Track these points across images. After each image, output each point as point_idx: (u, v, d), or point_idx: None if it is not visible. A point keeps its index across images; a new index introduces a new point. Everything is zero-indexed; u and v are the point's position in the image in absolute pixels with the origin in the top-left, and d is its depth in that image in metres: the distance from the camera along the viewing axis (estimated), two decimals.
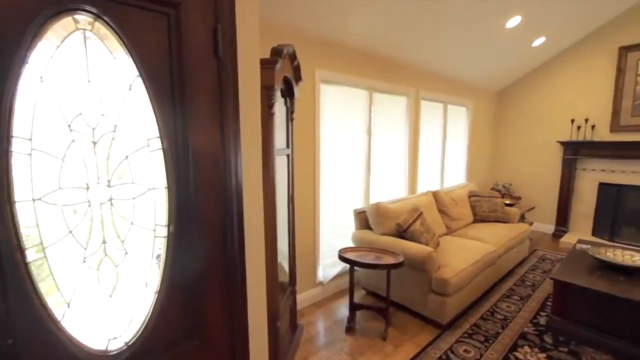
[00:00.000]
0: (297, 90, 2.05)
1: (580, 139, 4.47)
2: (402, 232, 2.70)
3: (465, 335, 2.36)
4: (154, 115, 0.93)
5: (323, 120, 2.79)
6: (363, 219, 2.98)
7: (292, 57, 1.85)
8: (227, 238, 1.13)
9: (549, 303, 2.80)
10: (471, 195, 3.98)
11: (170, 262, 1.00)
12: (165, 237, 0.99)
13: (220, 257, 1.13)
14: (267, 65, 1.52)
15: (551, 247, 4.32)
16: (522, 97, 5.09)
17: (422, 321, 2.53)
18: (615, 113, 4.21)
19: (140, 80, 0.90)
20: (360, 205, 3.25)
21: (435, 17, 2.86)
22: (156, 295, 0.98)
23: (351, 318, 2.48)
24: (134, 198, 0.93)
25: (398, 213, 2.87)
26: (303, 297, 2.76)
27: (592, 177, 4.48)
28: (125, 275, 0.94)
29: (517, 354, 2.15)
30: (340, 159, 3.00)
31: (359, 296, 2.95)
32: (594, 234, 4.52)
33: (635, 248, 3.78)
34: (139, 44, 0.89)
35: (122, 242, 0.93)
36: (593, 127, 4.38)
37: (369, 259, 2.35)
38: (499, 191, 5.10)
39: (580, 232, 4.62)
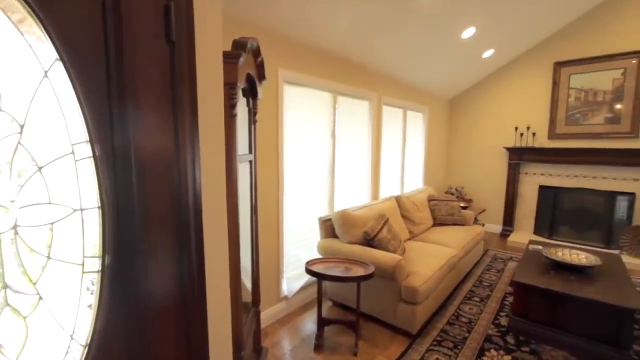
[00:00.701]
0: (261, 90, 1.87)
1: (523, 145, 4.82)
2: (369, 240, 2.62)
3: (435, 342, 2.33)
4: (81, 113, 0.70)
5: (287, 124, 2.62)
6: (329, 228, 2.86)
7: (256, 52, 1.66)
8: (183, 266, 0.92)
9: (507, 303, 2.91)
10: (430, 199, 4.06)
11: (106, 304, 0.77)
12: (98, 271, 0.75)
13: (174, 290, 0.91)
14: (229, 59, 1.33)
15: (500, 247, 4.58)
16: (471, 105, 5.38)
17: (392, 331, 2.46)
18: (552, 122, 4.61)
19: (61, 65, 0.67)
20: (325, 212, 3.13)
21: (398, 24, 2.85)
22: (85, 349, 0.74)
23: (319, 335, 2.33)
24: (51, 223, 0.69)
25: (364, 220, 2.80)
26: (266, 315, 2.55)
27: (533, 180, 4.86)
28: (38, 330, 0.69)
29: (485, 358, 2.16)
30: (304, 165, 2.85)
31: (326, 308, 2.81)
32: (535, 232, 4.90)
33: (575, 245, 4.14)
34: (59, 17, 0.66)
35: (34, 284, 0.68)
36: (534, 134, 4.76)
37: (339, 271, 2.23)
38: (452, 194, 5.33)
39: (524, 231, 4.97)
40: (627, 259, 3.75)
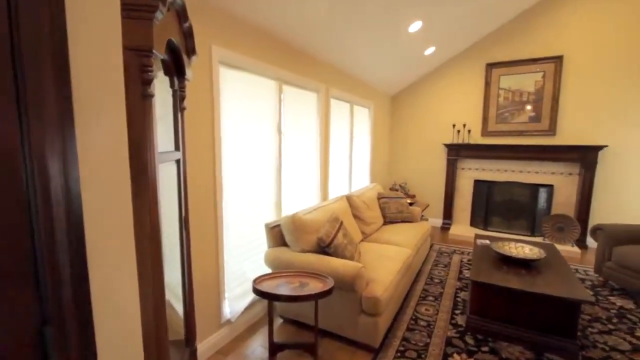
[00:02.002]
0: (190, 68, 1.44)
1: (460, 141, 5.03)
2: (324, 247, 2.34)
3: (399, 354, 2.15)
4: None
5: (225, 115, 2.19)
6: (277, 235, 2.51)
7: (182, 14, 1.23)
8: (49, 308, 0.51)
9: (459, 299, 2.90)
10: (380, 197, 3.96)
11: None
12: None
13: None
14: (137, 11, 0.90)
15: (443, 240, 4.71)
16: (412, 102, 5.47)
17: (353, 347, 2.22)
18: (485, 120, 4.88)
19: None
20: (272, 217, 2.76)
21: (346, 13, 2.61)
22: None
23: None
24: None
25: (317, 225, 2.51)
26: (204, 347, 2.10)
27: (469, 175, 5.11)
28: None
29: None
30: (247, 163, 2.45)
31: (277, 327, 2.46)
32: (471, 224, 5.17)
33: (508, 235, 4.41)
34: None
35: None
36: (469, 131, 4.99)
37: (292, 288, 1.90)
38: (397, 190, 5.37)
39: (461, 224, 5.22)
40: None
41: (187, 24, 1.30)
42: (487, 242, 3.04)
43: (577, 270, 3.63)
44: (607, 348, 2.23)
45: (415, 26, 3.37)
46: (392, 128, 5.73)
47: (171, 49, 1.22)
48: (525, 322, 2.26)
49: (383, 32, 3.23)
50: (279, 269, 2.33)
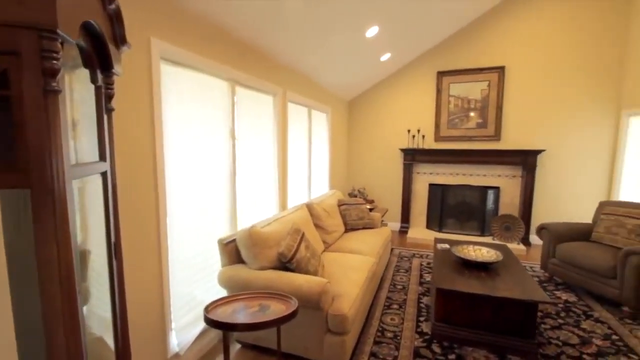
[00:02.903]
0: (120, 62, 1.18)
1: (415, 146, 5.16)
2: (286, 263, 2.15)
3: None
4: None
5: (168, 118, 1.92)
6: (232, 251, 2.27)
7: None
8: None
9: (422, 304, 2.88)
10: (340, 204, 3.86)
11: None
12: None
13: None
14: None
15: (401, 244, 4.76)
16: (369, 107, 5.51)
17: None
18: (437, 125, 5.06)
19: None
20: (226, 232, 2.51)
21: (303, 14, 2.48)
22: None
23: None
24: None
25: (277, 238, 2.31)
26: None
27: (424, 179, 5.25)
28: None
29: None
30: (196, 172, 2.18)
31: (233, 354, 2.21)
32: (427, 227, 5.31)
33: (462, 236, 4.57)
34: None
35: None
36: (423, 136, 5.14)
37: (252, 313, 1.68)
38: (355, 196, 5.34)
39: (418, 227, 5.33)
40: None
41: (113, 6, 1.05)
42: (447, 246, 3.08)
43: (524, 267, 3.84)
44: (560, 343, 2.33)
45: (373, 31, 3.35)
46: (350, 133, 5.72)
47: (91, 34, 0.98)
48: (487, 326, 2.27)
49: (341, 35, 3.16)
50: (235, 290, 2.09)
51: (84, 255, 1.05)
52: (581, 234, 3.37)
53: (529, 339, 2.20)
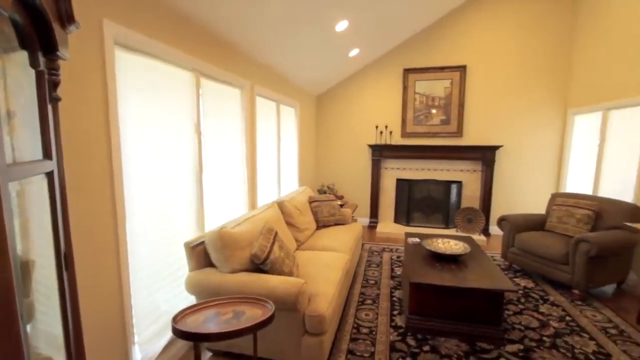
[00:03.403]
0: (66, 44, 1.02)
1: (383, 142, 5.23)
2: (260, 264, 2.06)
3: None
4: None
5: (124, 110, 1.73)
6: (201, 255, 2.13)
7: None
8: None
9: (394, 298, 2.92)
10: (311, 200, 3.81)
11: None
12: None
13: None
14: None
15: (371, 239, 4.82)
16: (337, 102, 5.49)
17: None
18: (404, 122, 5.17)
19: None
20: (194, 234, 2.35)
21: (274, 6, 2.38)
22: None
23: None
24: None
25: (250, 238, 2.21)
26: None
27: (392, 174, 5.35)
28: None
29: None
30: (158, 170, 2.00)
31: None
32: (395, 221, 5.43)
33: (428, 229, 4.71)
34: None
35: None
36: (391, 132, 5.22)
37: (226, 320, 1.58)
38: (325, 192, 5.32)
39: (387, 221, 5.44)
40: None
41: None
42: (417, 240, 3.14)
43: (490, 258, 4.05)
44: (522, 328, 2.47)
45: (342, 25, 3.31)
46: (318, 129, 5.67)
47: (30, 8, 0.82)
48: (458, 316, 2.35)
49: (311, 27, 3.08)
50: (205, 296, 1.96)
51: (26, 267, 0.90)
52: (537, 224, 3.62)
53: (496, 326, 2.30)
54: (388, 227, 5.17)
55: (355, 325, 2.51)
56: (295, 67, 3.91)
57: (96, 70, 1.52)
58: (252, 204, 3.25)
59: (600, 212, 3.23)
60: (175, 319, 1.55)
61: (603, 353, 2.18)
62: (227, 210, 2.85)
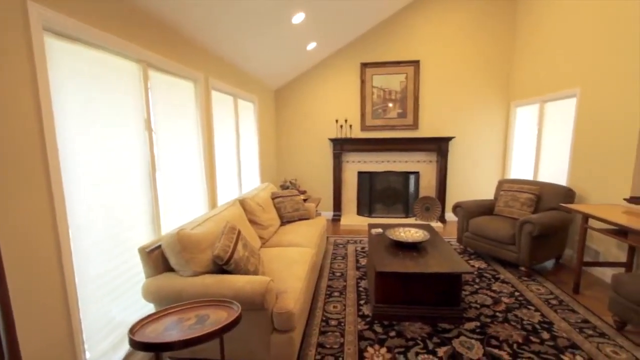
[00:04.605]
0: None
1: (343, 136, 5.29)
2: (223, 265, 1.98)
3: None
4: None
5: (60, 105, 1.55)
6: (158, 259, 1.99)
7: None
8: None
9: (360, 288, 2.98)
10: (274, 196, 3.75)
11: None
12: None
13: None
14: None
15: (336, 232, 4.87)
16: (296, 96, 5.44)
17: None
18: (363, 115, 5.26)
19: None
20: (149, 238, 2.19)
21: None
22: None
23: None
24: None
25: (211, 239, 2.11)
26: None
27: (353, 167, 5.44)
28: None
29: None
30: (104, 171, 1.83)
31: None
32: (358, 213, 5.54)
33: (389, 220, 4.85)
34: None
35: None
36: (351, 126, 5.29)
37: (189, 326, 1.49)
38: (288, 187, 5.27)
39: (350, 214, 5.53)
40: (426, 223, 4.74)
41: None
42: (381, 230, 3.23)
43: (447, 243, 4.29)
44: (478, 306, 2.65)
45: (299, 17, 3.26)
46: (278, 123, 5.58)
47: None
48: (421, 300, 2.45)
49: (266, 19, 2.99)
50: (166, 303, 1.84)
51: None
52: (487, 209, 3.89)
53: (455, 307, 2.44)
54: (351, 219, 5.26)
55: (324, 319, 2.52)
56: (252, 60, 3.79)
57: (22, 60, 1.34)
58: (213, 203, 3.11)
59: (541, 195, 3.55)
60: (132, 330, 1.44)
61: (547, 322, 2.41)
62: (186, 210, 2.71)
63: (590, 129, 3.30)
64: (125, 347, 1.88)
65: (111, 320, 1.87)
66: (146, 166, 2.18)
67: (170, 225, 2.42)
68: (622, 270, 2.86)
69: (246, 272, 2.03)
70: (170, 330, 1.47)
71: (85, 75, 1.70)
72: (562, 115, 3.79)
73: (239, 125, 3.95)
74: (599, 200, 3.18)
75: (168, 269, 2.01)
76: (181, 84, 2.67)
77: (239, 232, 2.25)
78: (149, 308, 2.10)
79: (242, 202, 3.07)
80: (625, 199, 2.87)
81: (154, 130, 2.26)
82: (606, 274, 3.07)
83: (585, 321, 2.42)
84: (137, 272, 2.06)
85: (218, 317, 1.55)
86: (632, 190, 2.83)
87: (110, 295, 1.86)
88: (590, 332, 2.29)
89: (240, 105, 3.99)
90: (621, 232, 2.49)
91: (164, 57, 2.35)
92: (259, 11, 2.79)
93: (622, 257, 2.88)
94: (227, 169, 3.61)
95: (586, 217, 2.75)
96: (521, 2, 4.59)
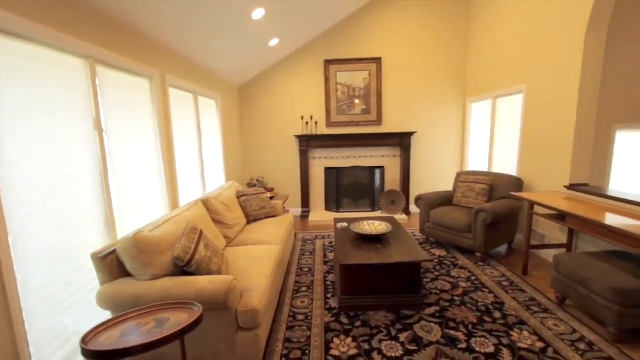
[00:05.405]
0: None
1: (309, 133, 5.32)
2: (184, 267, 1.93)
3: (284, 359, 2.03)
4: None
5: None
6: (113, 265, 1.91)
7: None
8: None
9: (328, 282, 3.04)
10: (240, 195, 3.70)
11: None
12: None
13: None
14: None
15: (304, 228, 4.91)
16: (260, 93, 5.38)
17: None
18: (328, 112, 5.31)
19: None
20: (102, 243, 2.09)
21: None
22: None
23: None
24: None
25: (171, 241, 2.06)
26: None
27: (320, 163, 5.48)
28: None
29: (333, 352, 2.07)
30: (50, 174, 1.72)
31: None
32: (326, 209, 5.60)
33: (357, 214, 4.96)
34: None
35: None
36: (316, 123, 5.33)
37: (147, 330, 1.45)
38: (255, 186, 5.22)
39: (318, 210, 5.58)
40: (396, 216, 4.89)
41: None
42: (346, 224, 3.30)
43: (409, 233, 4.46)
44: (438, 292, 2.80)
45: (259, 13, 3.22)
46: (243, 121, 5.49)
47: None
48: (384, 289, 2.55)
49: (225, 14, 2.93)
50: (124, 309, 1.77)
51: None
52: (447, 199, 4.09)
53: (416, 294, 2.56)
54: (320, 215, 5.32)
55: (291, 314, 2.54)
56: (212, 56, 3.70)
57: None
58: (174, 204, 3.02)
59: (494, 185, 3.80)
60: (84, 340, 1.38)
61: (499, 302, 2.60)
62: (146, 213, 2.61)
63: (535, 122, 3.58)
64: (81, 358, 1.79)
65: (64, 330, 1.77)
66: (97, 168, 2.07)
67: (127, 229, 2.33)
68: (563, 251, 3.14)
69: (209, 273, 2.01)
70: (127, 336, 1.43)
71: (23, 72, 1.58)
72: (512, 110, 4.06)
73: (201, 123, 3.84)
74: (544, 188, 3.46)
75: (125, 274, 1.94)
76: (135, 81, 2.55)
77: (201, 233, 2.21)
78: (106, 316, 2.01)
79: (206, 202, 3.00)
80: (565, 186, 3.14)
81: (105, 130, 2.15)
82: (550, 256, 3.35)
83: (532, 299, 2.64)
84: (91, 279, 1.96)
85: (178, 320, 1.52)
86: (571, 178, 3.11)
87: (62, 305, 1.76)
88: (536, 308, 2.50)
89: (201, 102, 3.88)
90: (561, 216, 2.74)
91: (114, 54, 2.23)
92: (217, 6, 2.73)
93: (564, 239, 3.16)
94: (189, 169, 3.51)
95: (532, 204, 2.99)
96: (474, 4, 4.85)
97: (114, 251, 1.91)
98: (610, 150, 3.82)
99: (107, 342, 1.38)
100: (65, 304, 1.79)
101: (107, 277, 1.87)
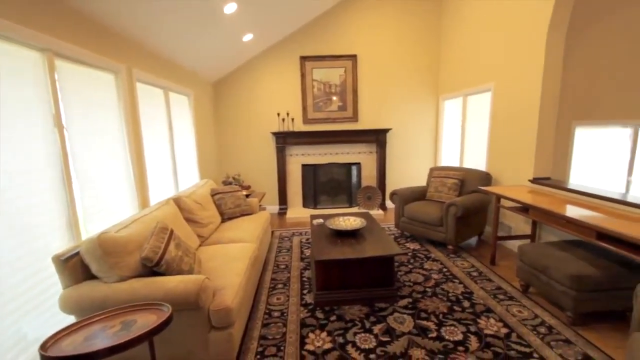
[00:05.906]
0: None
1: (285, 129, 5.29)
2: (154, 267, 1.88)
3: (259, 356, 2.02)
4: None
5: None
6: (77, 267, 1.83)
7: None
8: None
9: (304, 278, 3.05)
10: (214, 193, 3.63)
11: None
12: None
13: None
14: None
15: (281, 225, 4.89)
16: (236, 89, 5.29)
17: None
18: (304, 109, 5.30)
19: None
20: (65, 245, 2.00)
21: None
22: None
23: None
24: None
25: (139, 241, 1.99)
26: None
27: (297, 160, 5.47)
28: None
29: (307, 347, 2.09)
30: (3, 176, 1.62)
31: None
32: (304, 205, 5.61)
33: (334, 210, 4.99)
34: None
35: None
36: (293, 120, 5.30)
37: (113, 333, 1.41)
38: (230, 183, 5.14)
39: (296, 207, 5.58)
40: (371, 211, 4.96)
41: None
42: (322, 220, 3.32)
43: (383, 228, 4.54)
44: (411, 284, 2.88)
45: (231, 8, 3.16)
46: (217, 118, 5.38)
47: None
48: (359, 284, 2.59)
49: (195, 7, 2.85)
50: (89, 314, 1.71)
51: None
52: (420, 194, 4.20)
53: (390, 287, 2.62)
54: (297, 212, 5.31)
55: (267, 311, 2.54)
56: (183, 51, 3.59)
57: None
58: (144, 204, 2.93)
59: (464, 180, 3.94)
60: (44, 346, 1.32)
61: (468, 292, 2.71)
62: (113, 213, 2.51)
63: (502, 119, 3.73)
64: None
65: (23, 338, 1.68)
66: (58, 166, 1.97)
67: (93, 230, 2.23)
68: (528, 241, 3.31)
69: (180, 272, 1.96)
70: (92, 340, 1.38)
71: None
72: (481, 108, 4.21)
73: (172, 120, 3.73)
74: (511, 182, 3.62)
75: (90, 276, 1.86)
76: (99, 75, 2.44)
77: (172, 232, 2.16)
78: (70, 321, 1.93)
79: (177, 201, 2.93)
80: (529, 180, 3.31)
81: (66, 127, 2.05)
82: (516, 246, 3.52)
83: (499, 288, 2.77)
84: (53, 283, 1.87)
85: (146, 321, 1.49)
86: (535, 172, 3.28)
87: (20, 311, 1.67)
88: (502, 296, 2.62)
89: (173, 98, 3.77)
90: (525, 209, 2.88)
91: (75, 46, 2.12)
92: (187, 2, 2.65)
93: (529, 231, 3.33)
94: (160, 167, 3.41)
95: (498, 197, 3.13)
96: (445, 3, 4.97)
97: (76, 254, 1.83)
98: (570, 146, 4.05)
99: (70, 347, 1.33)
100: (23, 310, 1.69)
101: (70, 281, 1.79)
